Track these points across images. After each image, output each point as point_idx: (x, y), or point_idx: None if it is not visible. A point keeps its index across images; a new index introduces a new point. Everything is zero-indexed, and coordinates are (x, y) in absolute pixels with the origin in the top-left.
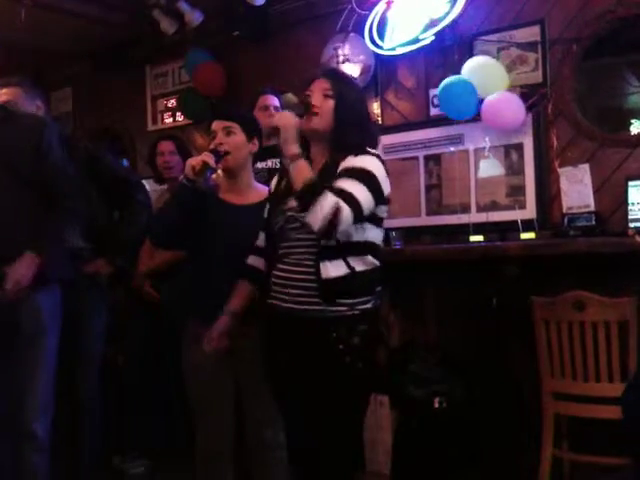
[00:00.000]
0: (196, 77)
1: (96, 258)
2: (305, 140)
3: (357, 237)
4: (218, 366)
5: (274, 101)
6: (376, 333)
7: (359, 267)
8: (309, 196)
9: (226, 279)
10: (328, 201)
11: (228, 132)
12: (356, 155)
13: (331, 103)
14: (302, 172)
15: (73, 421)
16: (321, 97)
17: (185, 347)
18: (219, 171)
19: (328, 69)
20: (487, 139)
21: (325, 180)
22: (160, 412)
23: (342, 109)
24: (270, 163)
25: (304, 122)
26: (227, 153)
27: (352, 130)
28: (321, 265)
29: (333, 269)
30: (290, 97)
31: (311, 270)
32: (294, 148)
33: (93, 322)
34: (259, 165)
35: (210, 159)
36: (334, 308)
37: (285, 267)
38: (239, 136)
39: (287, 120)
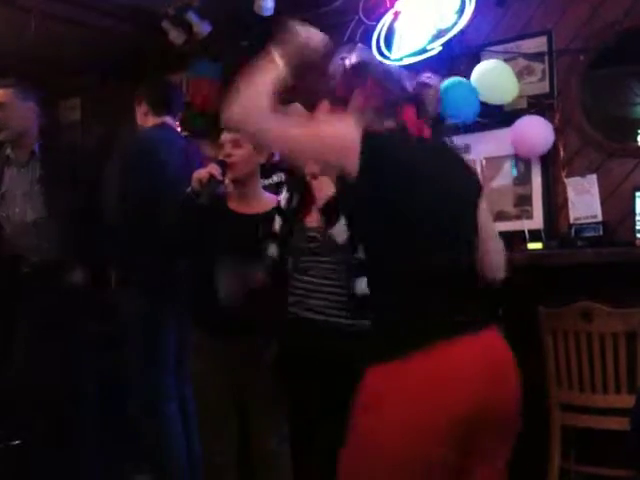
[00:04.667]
0: (190, 93)
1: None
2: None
3: None
4: (221, 375)
5: None
6: None
7: None
8: None
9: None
10: None
11: (236, 144)
12: None
13: None
14: None
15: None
16: None
17: (190, 357)
18: (227, 181)
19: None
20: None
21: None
22: None
23: None
24: (276, 178)
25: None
26: (234, 165)
27: None
28: (356, 281)
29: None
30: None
31: (337, 283)
32: None
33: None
34: (265, 182)
35: (216, 171)
36: (354, 322)
37: (308, 279)
38: (247, 147)
39: None
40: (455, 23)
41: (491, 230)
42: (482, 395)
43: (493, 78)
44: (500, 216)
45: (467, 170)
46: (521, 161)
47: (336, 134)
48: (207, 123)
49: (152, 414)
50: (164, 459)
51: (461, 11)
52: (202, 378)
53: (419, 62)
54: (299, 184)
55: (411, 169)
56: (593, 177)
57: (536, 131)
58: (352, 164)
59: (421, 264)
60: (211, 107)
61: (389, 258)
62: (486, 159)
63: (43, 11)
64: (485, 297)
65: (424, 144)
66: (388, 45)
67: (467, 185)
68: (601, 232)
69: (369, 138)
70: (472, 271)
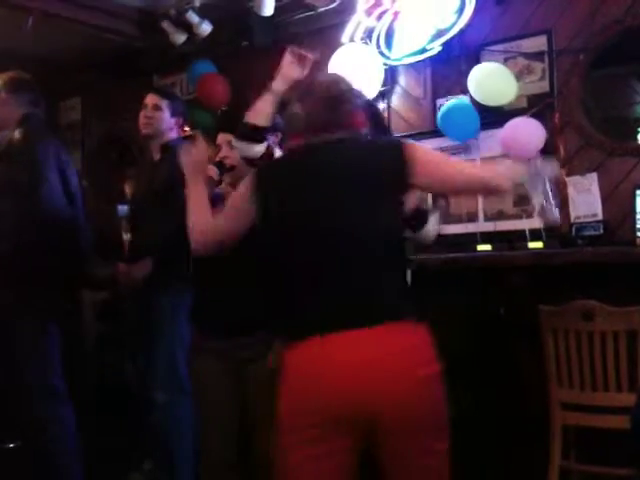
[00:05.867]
0: (200, 88)
1: None
2: None
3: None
4: (222, 375)
5: None
6: None
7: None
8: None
9: (227, 289)
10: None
11: (233, 146)
12: None
13: None
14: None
15: None
16: None
17: (190, 357)
18: (224, 183)
19: None
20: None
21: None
22: None
23: None
24: None
25: None
26: (232, 168)
27: None
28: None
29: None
30: None
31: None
32: None
33: None
34: None
35: (213, 172)
36: None
37: None
38: None
39: None
40: (455, 23)
41: (459, 175)
42: (344, 392)
43: (491, 82)
44: (500, 215)
45: (379, 160)
46: None
47: (235, 199)
48: (211, 120)
49: (167, 410)
50: (174, 455)
51: (461, 11)
52: (203, 378)
53: (419, 62)
54: None
55: (282, 185)
56: (593, 176)
57: (528, 132)
58: (252, 204)
59: (294, 268)
60: (219, 103)
61: (275, 264)
62: (486, 158)
63: (44, 10)
64: (385, 293)
65: (307, 155)
66: (388, 45)
67: (364, 179)
68: (601, 231)
69: (255, 177)
70: (366, 268)
